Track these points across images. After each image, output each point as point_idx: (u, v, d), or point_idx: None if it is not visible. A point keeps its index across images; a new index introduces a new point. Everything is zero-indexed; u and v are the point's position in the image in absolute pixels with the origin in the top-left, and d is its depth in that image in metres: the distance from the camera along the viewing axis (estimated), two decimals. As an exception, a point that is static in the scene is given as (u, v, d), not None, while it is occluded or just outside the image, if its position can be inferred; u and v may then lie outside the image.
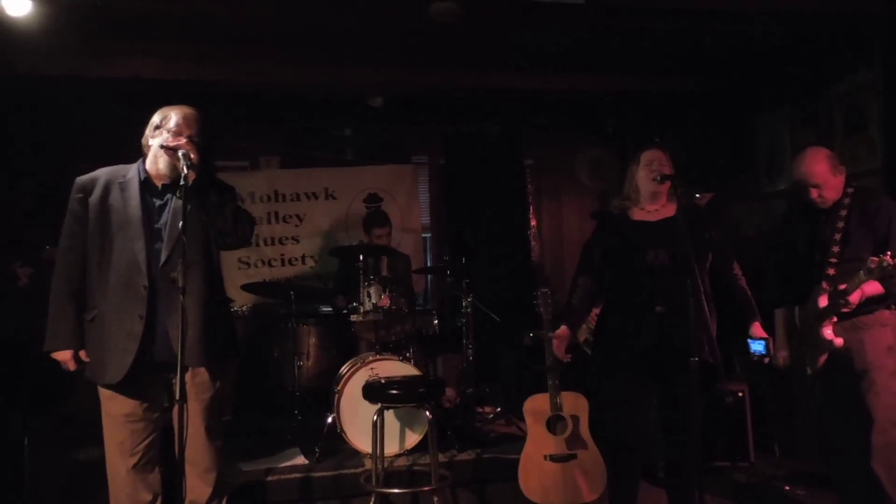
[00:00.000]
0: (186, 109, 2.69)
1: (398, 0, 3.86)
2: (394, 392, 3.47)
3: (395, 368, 3.92)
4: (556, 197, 6.65)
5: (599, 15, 4.00)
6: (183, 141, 2.58)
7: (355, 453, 3.90)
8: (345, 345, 4.75)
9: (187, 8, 3.91)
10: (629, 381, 3.03)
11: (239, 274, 5.58)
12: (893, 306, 3.01)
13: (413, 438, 3.94)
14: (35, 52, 4.26)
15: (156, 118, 2.70)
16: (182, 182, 2.45)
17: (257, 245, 5.74)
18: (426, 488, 3.49)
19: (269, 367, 4.89)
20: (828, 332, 2.96)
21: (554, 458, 3.43)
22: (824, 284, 2.99)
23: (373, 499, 3.45)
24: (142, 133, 2.74)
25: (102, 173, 2.72)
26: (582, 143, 6.57)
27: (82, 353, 2.69)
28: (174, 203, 2.67)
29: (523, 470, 3.46)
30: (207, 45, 4.51)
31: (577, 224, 6.41)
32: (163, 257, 2.64)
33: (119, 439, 2.69)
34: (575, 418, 3.48)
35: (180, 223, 2.39)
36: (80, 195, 2.69)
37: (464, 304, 4.81)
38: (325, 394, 4.17)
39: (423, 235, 6.30)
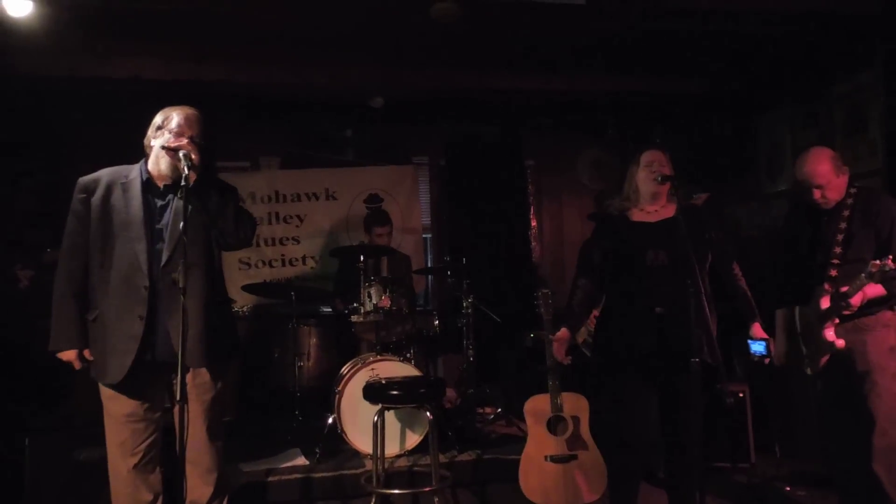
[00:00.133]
0: (188, 110, 2.69)
1: (399, 1, 3.87)
2: (394, 393, 3.47)
3: (395, 369, 3.92)
4: (557, 197, 6.65)
5: (600, 16, 4.01)
6: (184, 142, 2.58)
7: (356, 454, 3.90)
8: (345, 345, 4.75)
9: (188, 8, 3.91)
10: (629, 381, 3.02)
11: (240, 274, 5.58)
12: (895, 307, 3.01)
13: (413, 439, 3.94)
14: (36, 52, 4.26)
15: (158, 119, 2.70)
16: (183, 183, 2.45)
17: (258, 246, 5.74)
18: (427, 489, 3.50)
19: (269, 367, 4.89)
20: (830, 333, 2.95)
21: (554, 459, 3.43)
22: (826, 285, 2.98)
23: (373, 499, 3.45)
24: (142, 133, 2.74)
25: (105, 174, 2.73)
26: (582, 143, 6.57)
27: (86, 353, 2.70)
28: (176, 204, 2.67)
29: (524, 470, 3.46)
30: (208, 46, 4.51)
31: (578, 225, 6.40)
32: (164, 258, 2.64)
33: (120, 439, 2.70)
34: (575, 419, 3.47)
35: (181, 224, 2.40)
36: (83, 195, 2.69)
37: (464, 304, 4.82)
38: (326, 394, 4.17)
39: (424, 236, 6.30)
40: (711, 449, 4.04)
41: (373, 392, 3.51)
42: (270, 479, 3.65)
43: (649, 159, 3.06)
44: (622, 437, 3.07)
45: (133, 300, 2.61)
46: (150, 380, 2.69)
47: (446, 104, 5.88)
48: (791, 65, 4.76)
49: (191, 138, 2.61)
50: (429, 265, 6.26)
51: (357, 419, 3.84)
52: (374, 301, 4.18)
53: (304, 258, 5.91)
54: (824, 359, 3.01)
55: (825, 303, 2.97)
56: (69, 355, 2.68)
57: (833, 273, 2.99)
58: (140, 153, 2.77)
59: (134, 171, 2.73)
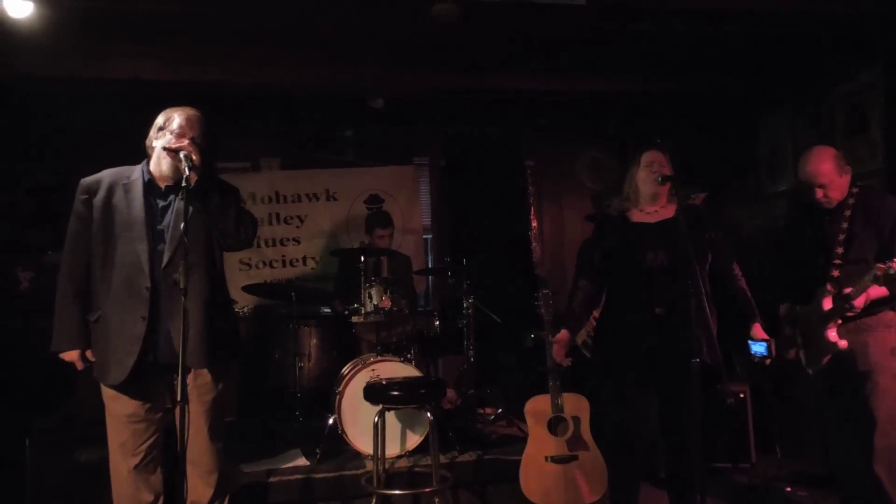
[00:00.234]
0: (190, 111, 2.70)
1: (399, 1, 3.87)
2: (395, 393, 3.47)
3: (396, 369, 3.92)
4: (557, 198, 6.65)
5: (600, 16, 4.00)
6: (185, 142, 2.59)
7: (356, 454, 3.90)
8: (346, 346, 4.75)
9: (188, 9, 3.91)
10: (630, 382, 3.02)
11: (240, 275, 5.58)
12: (898, 307, 2.99)
13: (414, 440, 3.94)
14: (36, 53, 4.26)
15: (159, 120, 2.70)
16: (184, 184, 2.46)
17: (258, 246, 5.74)
18: (427, 489, 3.49)
19: (270, 368, 4.89)
20: (832, 334, 2.95)
21: (555, 460, 3.43)
22: (828, 286, 2.98)
23: (374, 500, 3.45)
24: (142, 134, 2.75)
25: (107, 175, 2.73)
26: (583, 144, 6.57)
27: (89, 353, 2.70)
28: (177, 204, 2.67)
29: (524, 471, 3.46)
30: (208, 47, 4.51)
31: (578, 225, 6.39)
32: (165, 259, 2.64)
33: (121, 440, 2.70)
34: (576, 419, 3.47)
35: (182, 225, 2.40)
36: (85, 196, 2.69)
37: (465, 305, 4.82)
38: (327, 395, 4.17)
39: (424, 237, 6.29)
40: (712, 449, 4.04)
41: (373, 392, 3.51)
42: (271, 479, 3.65)
43: (650, 160, 3.06)
44: (623, 437, 3.07)
45: (135, 301, 2.61)
46: (151, 380, 2.69)
47: (447, 105, 5.88)
48: (792, 65, 4.76)
49: (192, 139, 2.61)
50: (429, 266, 6.26)
51: (358, 420, 3.83)
52: (375, 302, 4.18)
53: (304, 259, 5.91)
54: (826, 358, 3.01)
55: (827, 303, 2.97)
56: (71, 356, 2.69)
57: (835, 273, 2.98)
58: (140, 154, 2.77)
59: (136, 172, 2.73)
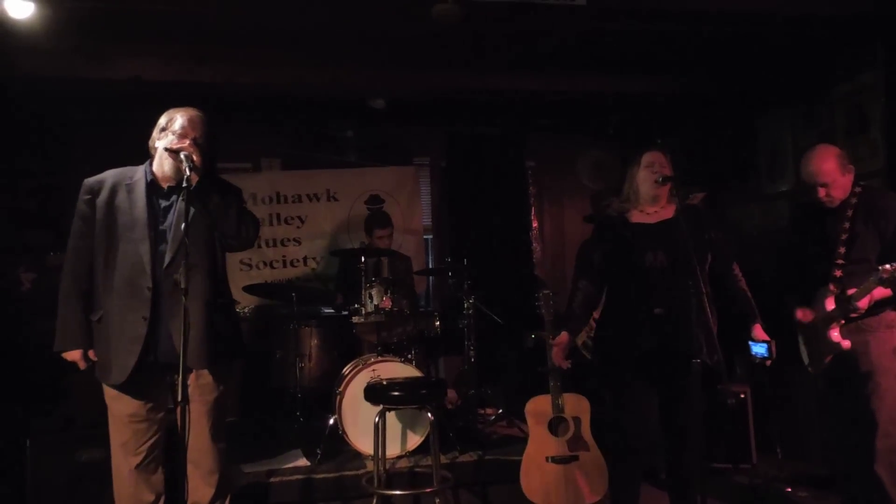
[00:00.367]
0: (192, 112, 2.70)
1: (400, 1, 3.87)
2: (395, 393, 3.47)
3: (396, 370, 3.92)
4: (558, 198, 6.66)
5: (601, 16, 4.00)
6: (186, 143, 2.59)
7: (357, 455, 3.90)
8: (346, 346, 4.75)
9: (188, 9, 3.91)
10: (630, 382, 3.02)
11: (241, 275, 5.59)
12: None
13: (415, 440, 3.94)
14: (37, 53, 4.26)
15: (162, 120, 2.71)
16: (185, 184, 2.46)
17: (259, 247, 5.74)
18: (428, 490, 3.49)
19: (270, 368, 4.89)
20: (835, 334, 2.94)
21: (556, 460, 3.43)
22: (831, 286, 2.97)
23: (374, 500, 3.45)
24: (143, 134, 2.75)
25: (110, 175, 2.74)
26: (584, 144, 6.57)
27: (91, 353, 2.70)
28: (179, 205, 2.68)
29: (525, 471, 3.46)
30: (209, 47, 4.51)
31: (579, 225, 6.39)
32: (167, 259, 2.65)
33: (123, 439, 2.71)
34: (577, 420, 3.47)
35: (183, 225, 2.40)
36: (88, 196, 2.70)
37: (465, 305, 4.82)
38: (327, 395, 4.17)
39: (425, 237, 6.30)
40: (713, 450, 4.04)
41: (374, 393, 3.51)
42: (271, 480, 3.65)
43: (650, 160, 3.05)
44: (623, 438, 3.07)
45: (136, 301, 2.61)
46: (153, 380, 2.69)
47: (447, 105, 5.88)
48: (792, 65, 4.76)
49: (194, 140, 2.62)
50: (430, 266, 6.26)
51: (358, 420, 3.84)
52: (376, 302, 4.18)
53: (305, 259, 5.91)
54: (828, 359, 3.00)
55: (830, 304, 2.96)
56: (74, 355, 2.70)
57: (837, 273, 2.97)
58: (140, 154, 2.77)
59: (139, 173, 2.74)
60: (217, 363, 2.73)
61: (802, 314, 3.11)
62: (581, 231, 6.25)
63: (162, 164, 2.70)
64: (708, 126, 5.65)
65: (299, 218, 5.92)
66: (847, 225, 2.98)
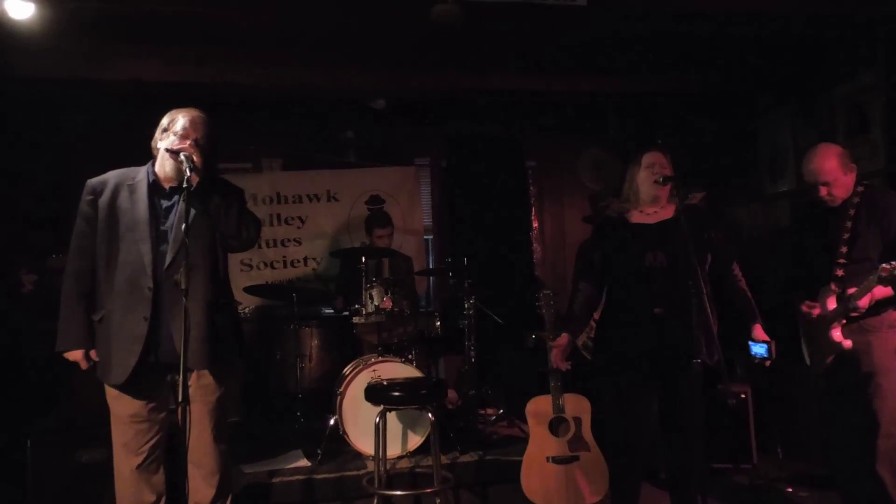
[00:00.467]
0: (194, 112, 2.71)
1: (400, 2, 3.87)
2: (396, 394, 3.47)
3: (397, 370, 3.92)
4: (558, 198, 6.65)
5: (601, 17, 4.00)
6: (186, 144, 2.60)
7: (357, 455, 3.90)
8: (347, 346, 4.75)
9: (189, 10, 3.91)
10: (630, 382, 3.02)
11: (241, 276, 5.58)
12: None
13: (415, 440, 3.94)
14: (37, 54, 4.27)
15: (164, 121, 2.72)
16: (185, 185, 2.46)
17: (259, 247, 5.74)
18: (428, 490, 3.49)
19: (271, 369, 4.89)
20: (837, 334, 2.93)
21: (556, 460, 3.43)
22: (833, 286, 2.96)
23: (375, 501, 3.45)
24: (143, 135, 2.76)
25: (113, 175, 2.75)
26: (584, 144, 6.55)
27: (93, 353, 2.71)
28: (181, 206, 2.67)
29: (525, 472, 3.46)
30: (209, 48, 4.52)
31: (579, 226, 6.38)
32: (168, 259, 2.65)
33: (124, 439, 2.71)
34: (577, 420, 3.47)
35: (183, 225, 2.40)
36: (91, 197, 2.71)
37: (466, 305, 4.82)
38: (328, 396, 4.17)
39: (426, 237, 6.30)
40: (713, 450, 4.03)
41: (374, 393, 3.51)
42: (272, 480, 3.65)
43: (650, 161, 3.05)
44: (624, 438, 3.07)
45: (137, 301, 2.62)
46: (154, 381, 2.70)
47: (448, 105, 5.89)
48: (793, 66, 4.76)
49: (195, 141, 2.62)
50: (430, 266, 6.26)
51: (359, 420, 3.83)
52: (376, 302, 4.18)
53: (305, 259, 5.91)
54: (829, 359, 3.00)
55: (831, 303, 2.95)
56: (76, 355, 2.70)
57: (839, 273, 2.95)
58: (140, 155, 2.78)
59: (141, 173, 2.74)
60: (218, 364, 2.73)
61: (808, 307, 3.09)
62: (581, 231, 6.25)
63: (164, 165, 2.70)
64: (708, 126, 5.65)
65: (300, 218, 5.92)
66: (849, 224, 2.96)
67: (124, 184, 2.71)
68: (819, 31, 4.24)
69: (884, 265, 2.67)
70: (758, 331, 3.02)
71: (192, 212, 2.49)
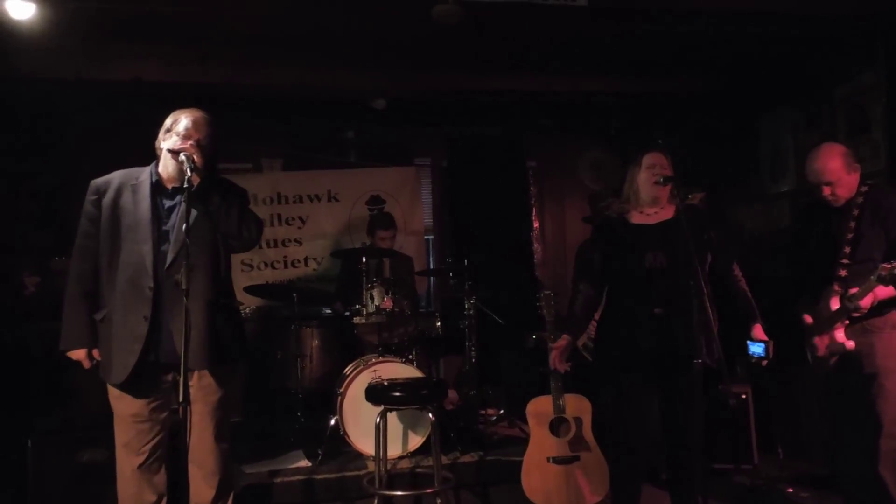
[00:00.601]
0: (197, 113, 2.71)
1: (401, 3, 3.87)
2: (397, 394, 3.47)
3: (397, 370, 3.92)
4: (559, 199, 6.66)
5: (601, 16, 4.00)
6: (187, 144, 2.60)
7: (358, 455, 3.90)
8: (347, 347, 4.75)
9: (190, 10, 3.91)
10: (630, 383, 3.02)
11: (242, 276, 5.58)
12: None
13: (416, 441, 3.94)
14: (38, 54, 4.27)
15: (167, 121, 2.72)
16: (186, 185, 2.46)
17: (260, 247, 5.73)
18: (429, 490, 3.49)
19: (271, 369, 4.89)
20: (840, 334, 2.92)
21: (557, 461, 3.43)
22: (836, 286, 2.95)
23: (375, 501, 3.45)
24: (144, 135, 2.77)
25: (116, 176, 2.76)
26: (585, 144, 6.57)
27: (95, 352, 2.72)
28: (182, 206, 2.67)
29: (526, 472, 3.46)
30: (210, 48, 4.51)
31: (580, 226, 6.38)
32: (169, 259, 2.66)
33: (126, 439, 2.72)
34: (578, 420, 3.47)
35: (184, 226, 2.40)
36: (94, 197, 2.72)
37: (466, 305, 4.82)
38: (328, 396, 4.17)
39: (426, 237, 6.30)
40: (714, 450, 4.03)
41: (375, 393, 3.51)
42: (273, 480, 3.65)
43: (651, 161, 3.04)
44: (624, 438, 3.07)
45: (138, 301, 2.62)
46: (155, 380, 2.70)
47: (448, 105, 5.89)
48: (793, 66, 4.76)
49: (197, 141, 2.63)
50: (431, 266, 6.26)
51: (359, 421, 3.84)
52: (377, 302, 4.19)
53: (306, 260, 5.91)
54: (832, 360, 3.00)
55: (834, 303, 2.94)
56: (78, 354, 2.71)
57: (842, 273, 2.94)
58: (141, 155, 2.79)
59: (144, 174, 2.75)
60: (218, 364, 2.73)
61: (809, 318, 3.10)
62: (582, 231, 6.24)
63: (166, 165, 2.71)
64: (708, 126, 5.64)
65: (300, 218, 5.92)
66: (853, 224, 2.94)
67: (128, 184, 2.72)
68: (819, 31, 4.24)
69: (884, 265, 2.67)
70: (757, 331, 3.02)
71: (193, 212, 2.49)
